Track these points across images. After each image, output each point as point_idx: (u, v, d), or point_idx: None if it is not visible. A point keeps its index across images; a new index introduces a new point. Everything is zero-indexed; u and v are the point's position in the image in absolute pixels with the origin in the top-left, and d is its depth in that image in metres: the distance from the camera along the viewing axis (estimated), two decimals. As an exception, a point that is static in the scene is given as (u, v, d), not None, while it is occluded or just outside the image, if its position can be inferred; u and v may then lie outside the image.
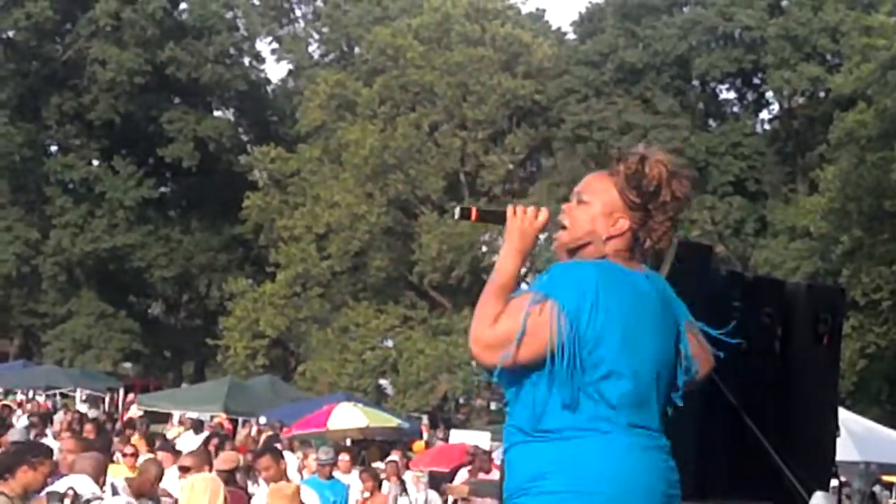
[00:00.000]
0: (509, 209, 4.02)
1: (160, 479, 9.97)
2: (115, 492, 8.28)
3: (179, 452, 13.12)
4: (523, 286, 3.93)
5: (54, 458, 8.84)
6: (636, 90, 52.61)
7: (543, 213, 4.00)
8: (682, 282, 7.76)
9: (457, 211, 4.19)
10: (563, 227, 3.99)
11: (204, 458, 9.94)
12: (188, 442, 20.40)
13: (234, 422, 30.06)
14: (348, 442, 23.19)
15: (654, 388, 3.86)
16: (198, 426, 23.87)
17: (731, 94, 56.71)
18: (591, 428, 3.74)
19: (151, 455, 15.66)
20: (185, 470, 9.44)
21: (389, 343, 51.01)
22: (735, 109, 56.05)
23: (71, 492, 7.52)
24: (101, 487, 8.39)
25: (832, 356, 7.88)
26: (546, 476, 3.75)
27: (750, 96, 55.79)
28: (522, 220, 3.97)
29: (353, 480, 14.23)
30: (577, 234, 3.95)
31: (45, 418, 24.47)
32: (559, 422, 3.76)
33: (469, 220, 4.20)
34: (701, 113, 55.22)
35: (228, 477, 10.07)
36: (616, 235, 3.90)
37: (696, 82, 55.01)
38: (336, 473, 13.57)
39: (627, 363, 3.77)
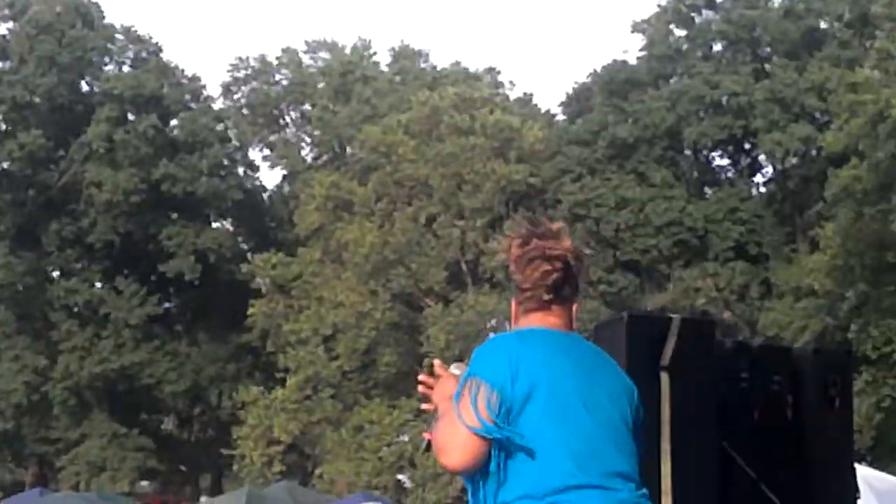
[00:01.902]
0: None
1: None
2: None
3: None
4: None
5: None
6: (629, 165, 52.85)
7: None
8: (688, 360, 7.78)
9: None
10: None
11: None
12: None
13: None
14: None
15: (603, 440, 3.94)
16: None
17: (725, 161, 56.99)
18: (553, 496, 3.80)
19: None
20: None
21: (405, 437, 50.78)
22: (729, 175, 56.27)
23: None
24: None
25: (845, 418, 7.85)
26: None
27: (743, 161, 56.01)
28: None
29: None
30: None
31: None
32: (511, 495, 3.83)
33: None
34: (696, 181, 55.42)
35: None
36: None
37: (688, 152, 55.28)
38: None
39: (557, 428, 3.87)
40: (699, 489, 7.70)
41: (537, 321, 4.12)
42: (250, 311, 55.00)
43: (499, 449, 3.85)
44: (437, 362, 4.33)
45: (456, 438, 3.85)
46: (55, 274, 61.92)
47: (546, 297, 4.13)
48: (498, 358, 3.94)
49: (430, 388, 4.23)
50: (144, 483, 62.19)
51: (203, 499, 55.02)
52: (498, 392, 3.84)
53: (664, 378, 7.70)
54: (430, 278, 51.49)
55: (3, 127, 59.85)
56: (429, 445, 4.16)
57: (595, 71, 58.25)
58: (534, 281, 4.11)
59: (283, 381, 53.70)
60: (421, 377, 4.30)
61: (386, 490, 46.78)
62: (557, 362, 3.98)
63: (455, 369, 4.26)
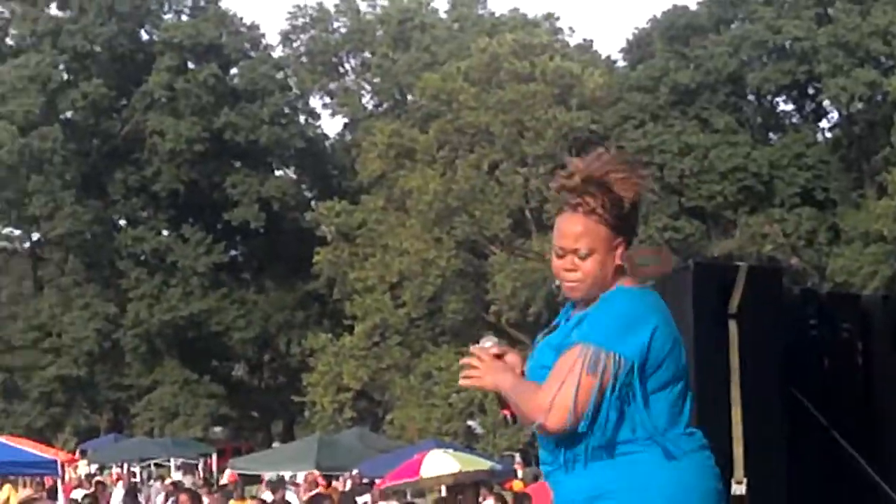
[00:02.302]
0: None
1: None
2: None
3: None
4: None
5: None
6: (692, 111, 52.56)
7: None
8: (756, 308, 7.85)
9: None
10: (573, 281, 3.96)
11: None
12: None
13: (328, 478, 30.13)
14: (442, 489, 23.22)
15: (688, 387, 3.98)
16: (277, 486, 24.00)
17: (789, 106, 56.56)
18: (646, 443, 3.81)
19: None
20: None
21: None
22: (794, 120, 55.84)
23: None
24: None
25: (915, 366, 7.89)
26: (605, 496, 3.81)
27: (808, 106, 55.55)
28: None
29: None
30: (594, 285, 3.92)
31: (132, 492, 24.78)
32: (613, 439, 3.83)
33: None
34: (760, 127, 55.06)
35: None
36: (621, 263, 3.89)
37: (751, 97, 54.89)
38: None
39: (676, 375, 3.89)
40: (769, 435, 7.78)
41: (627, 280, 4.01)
42: (316, 258, 55.27)
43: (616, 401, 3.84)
44: (474, 348, 4.29)
45: (568, 401, 3.78)
46: (122, 222, 62.52)
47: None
48: (625, 325, 3.84)
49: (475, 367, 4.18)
50: (217, 429, 62.88)
51: (275, 444, 55.54)
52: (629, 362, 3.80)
53: (732, 326, 7.74)
54: (494, 225, 51.52)
55: (66, 77, 60.36)
56: (514, 419, 4.15)
57: (655, 17, 58.03)
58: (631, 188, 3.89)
59: (350, 329, 54.01)
60: (463, 361, 4.28)
61: (456, 436, 47.03)
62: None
63: (487, 342, 4.30)
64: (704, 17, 54.89)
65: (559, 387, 3.78)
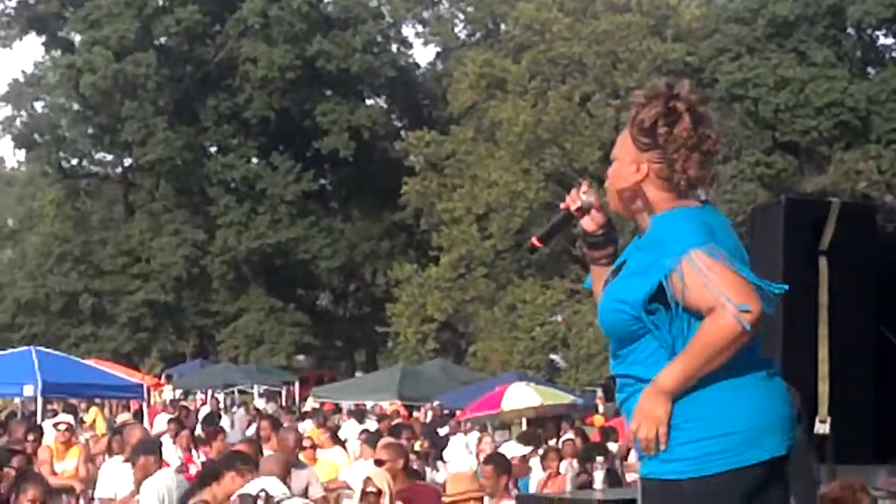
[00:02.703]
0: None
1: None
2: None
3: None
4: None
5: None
6: (790, 44, 51.62)
7: None
8: (848, 245, 7.57)
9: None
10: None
11: (397, 451, 9.70)
12: (350, 431, 20.57)
13: (409, 408, 30.20)
14: (523, 422, 23.18)
15: None
16: (360, 415, 24.04)
17: (889, 40, 55.43)
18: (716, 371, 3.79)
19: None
20: (380, 464, 9.34)
21: (558, 318, 50.76)
22: (894, 55, 54.68)
23: (263, 493, 7.60)
24: (288, 485, 8.48)
25: None
26: (679, 427, 3.82)
27: (910, 41, 54.50)
28: None
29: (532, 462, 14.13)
30: (612, 194, 4.18)
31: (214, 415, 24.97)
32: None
33: (536, 250, 4.55)
34: (859, 62, 53.98)
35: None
36: (642, 180, 4.02)
37: (851, 31, 53.79)
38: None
39: None
40: (856, 374, 7.55)
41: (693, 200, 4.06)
42: (404, 188, 55.19)
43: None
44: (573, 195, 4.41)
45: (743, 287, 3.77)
46: (212, 149, 62.83)
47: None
48: (692, 227, 3.88)
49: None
50: (300, 357, 63.39)
51: (358, 374, 55.90)
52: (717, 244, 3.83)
53: (822, 263, 7.52)
54: (584, 158, 51.10)
55: (160, 3, 60.47)
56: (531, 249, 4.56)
57: (755, -52, 56.81)
58: (687, 129, 4.03)
59: (436, 260, 53.97)
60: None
61: (539, 370, 46.96)
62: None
63: (583, 189, 4.39)
64: (805, -52, 53.81)
65: (716, 290, 3.74)
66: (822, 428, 7.19)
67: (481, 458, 14.51)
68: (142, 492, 9.95)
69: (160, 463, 10.56)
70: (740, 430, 3.80)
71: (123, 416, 23.49)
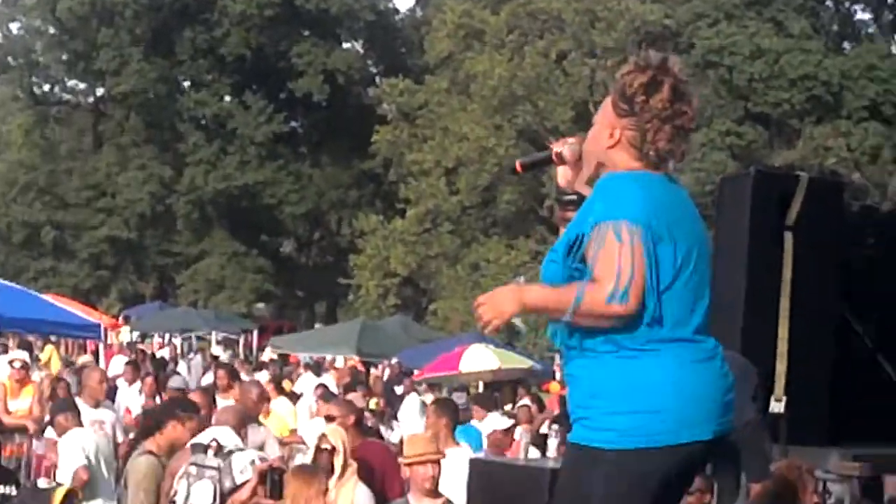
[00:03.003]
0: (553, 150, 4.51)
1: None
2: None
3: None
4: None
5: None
6: (768, 12, 51.42)
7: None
8: (814, 220, 7.49)
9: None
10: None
11: (348, 408, 9.64)
12: (307, 384, 20.48)
13: (367, 364, 30.02)
14: (480, 384, 23.10)
15: (701, 291, 4.00)
16: (316, 368, 23.95)
17: (867, 15, 55.36)
18: (646, 348, 3.87)
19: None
20: (330, 420, 9.26)
21: (521, 279, 50.58)
22: (870, 31, 54.65)
23: (214, 443, 7.54)
24: (243, 438, 8.41)
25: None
26: (601, 395, 3.91)
27: (885, 16, 54.33)
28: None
29: (485, 427, 14.03)
30: (586, 155, 4.25)
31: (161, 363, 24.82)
32: (614, 340, 3.89)
33: (517, 174, 4.76)
34: (835, 35, 53.90)
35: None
36: (613, 146, 4.06)
37: (829, 3, 53.72)
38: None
39: (678, 276, 3.92)
40: (815, 355, 7.49)
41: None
42: (375, 137, 54.89)
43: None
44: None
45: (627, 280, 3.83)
46: (186, 84, 62.31)
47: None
48: (636, 196, 3.94)
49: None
50: (260, 305, 63.14)
51: (317, 325, 55.70)
52: (645, 230, 3.87)
53: (788, 237, 7.46)
54: (556, 117, 50.89)
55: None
56: (511, 171, 4.63)
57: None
58: (666, 100, 4.06)
59: (402, 213, 53.72)
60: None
61: (498, 332, 46.77)
62: (674, 209, 4.03)
63: (567, 145, 4.46)
64: (788, -84, 53.61)
65: (612, 266, 3.82)
66: (777, 406, 7.13)
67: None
68: (60, 451, 9.86)
69: (78, 422, 10.42)
70: (661, 409, 3.85)
71: (84, 358, 23.30)
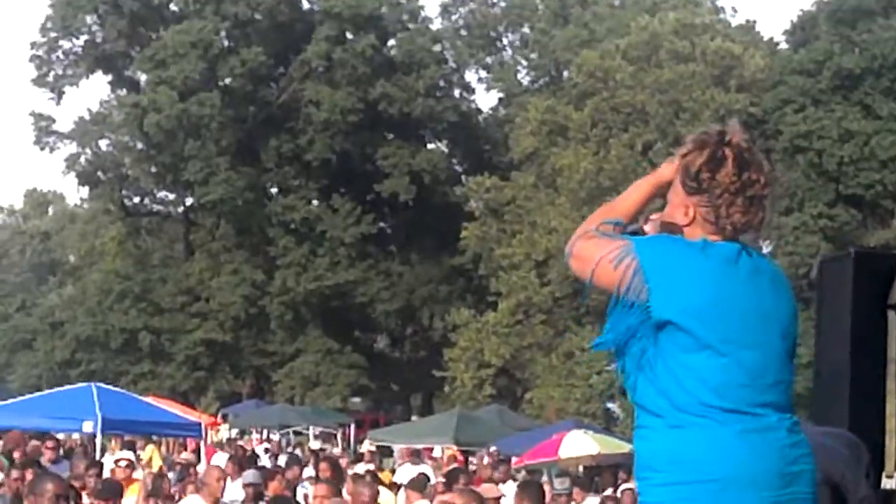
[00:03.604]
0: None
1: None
2: None
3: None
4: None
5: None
6: (855, 97, 51.28)
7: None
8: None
9: None
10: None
11: (473, 497, 9.62)
12: (407, 473, 20.50)
13: (465, 453, 30.09)
14: (580, 469, 23.03)
15: (769, 364, 3.95)
16: (416, 457, 23.98)
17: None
18: (693, 418, 3.88)
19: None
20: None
21: (616, 366, 50.35)
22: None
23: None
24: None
25: None
26: (649, 467, 3.94)
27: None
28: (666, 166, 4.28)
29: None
30: (663, 227, 4.27)
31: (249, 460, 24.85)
32: (659, 406, 3.98)
33: None
34: (924, 116, 53.53)
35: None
36: (689, 223, 4.11)
37: (916, 85, 53.37)
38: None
39: (727, 339, 3.91)
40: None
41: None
42: (463, 233, 55.22)
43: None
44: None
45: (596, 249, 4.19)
46: (273, 190, 63.14)
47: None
48: (670, 259, 4.04)
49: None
50: (356, 399, 63.31)
51: (414, 417, 55.76)
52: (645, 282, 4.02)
53: (891, 316, 7.44)
54: (645, 207, 50.88)
55: (226, 44, 61.07)
56: None
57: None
58: (731, 174, 4.07)
59: (494, 305, 53.88)
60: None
61: (595, 418, 46.68)
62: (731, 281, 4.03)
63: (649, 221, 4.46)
64: (872, 1, 53.53)
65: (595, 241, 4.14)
66: (889, 483, 7.09)
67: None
68: None
69: None
70: (711, 480, 3.82)
71: (186, 455, 23.47)
